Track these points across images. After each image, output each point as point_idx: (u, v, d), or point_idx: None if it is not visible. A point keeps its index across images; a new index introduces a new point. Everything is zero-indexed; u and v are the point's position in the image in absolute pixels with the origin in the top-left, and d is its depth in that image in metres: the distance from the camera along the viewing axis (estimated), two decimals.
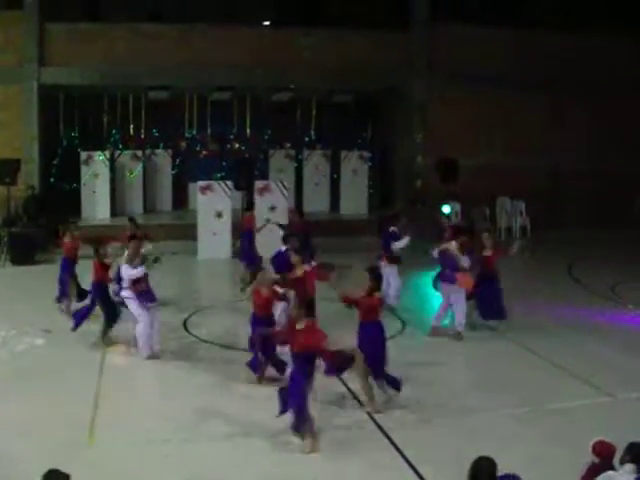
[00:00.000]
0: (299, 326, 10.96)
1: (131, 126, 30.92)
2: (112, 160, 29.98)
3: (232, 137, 32.30)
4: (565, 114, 30.13)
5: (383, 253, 18.23)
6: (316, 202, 32.02)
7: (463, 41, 29.18)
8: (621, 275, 22.17)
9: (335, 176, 32.72)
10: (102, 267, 15.41)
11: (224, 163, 31.28)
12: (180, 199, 32.24)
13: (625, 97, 29.94)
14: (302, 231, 22.60)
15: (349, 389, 12.89)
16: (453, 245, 16.33)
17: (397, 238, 18.09)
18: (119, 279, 15.13)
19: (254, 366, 13.22)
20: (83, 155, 29.35)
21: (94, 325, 15.62)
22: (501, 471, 7.43)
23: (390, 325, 16.32)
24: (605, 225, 28.68)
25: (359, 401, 12.44)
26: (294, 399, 10.65)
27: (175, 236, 26.38)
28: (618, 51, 30.16)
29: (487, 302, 16.55)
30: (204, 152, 32.69)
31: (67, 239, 17.94)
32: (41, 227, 24.81)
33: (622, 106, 30.08)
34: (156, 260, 14.86)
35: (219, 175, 29.83)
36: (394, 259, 18.22)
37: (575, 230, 28.24)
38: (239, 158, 29.74)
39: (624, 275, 22.16)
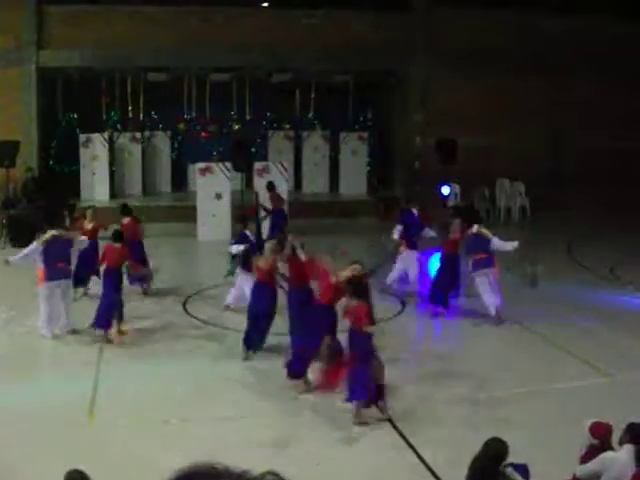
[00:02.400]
0: None
1: (130, 108, 30.86)
2: (111, 142, 29.92)
3: (233, 118, 32.22)
4: (566, 95, 30.04)
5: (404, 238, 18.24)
6: (315, 183, 32.01)
7: (463, 22, 29.09)
8: (620, 257, 22.14)
9: (334, 157, 32.65)
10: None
11: (220, 148, 31.17)
12: (179, 181, 32.22)
13: (626, 77, 29.84)
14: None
15: None
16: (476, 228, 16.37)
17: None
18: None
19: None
20: (82, 137, 29.30)
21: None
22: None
23: (390, 305, 16.41)
24: (606, 206, 28.59)
25: None
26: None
27: (174, 218, 26.38)
28: (619, 30, 30.04)
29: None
30: (203, 134, 32.63)
31: (88, 222, 17.23)
32: (40, 209, 24.79)
33: (624, 86, 29.98)
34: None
35: (218, 156, 29.76)
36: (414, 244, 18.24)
37: (575, 211, 28.16)
38: (237, 139, 29.68)
39: (623, 257, 22.13)
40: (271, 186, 23.39)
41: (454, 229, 16.52)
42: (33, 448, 9.91)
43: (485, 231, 16.24)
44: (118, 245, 15.15)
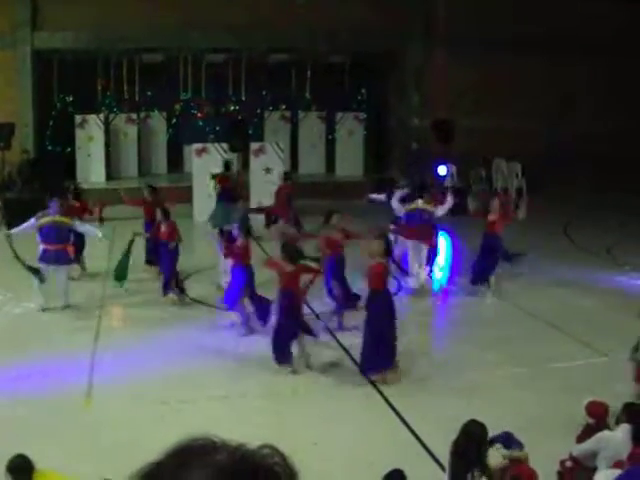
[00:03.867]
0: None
1: (125, 89, 30.73)
2: (107, 123, 29.85)
3: (232, 99, 32.08)
4: (564, 77, 29.94)
5: None
6: (311, 164, 31.95)
7: (460, 3, 28.97)
8: (617, 237, 22.10)
9: (330, 137, 32.60)
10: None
11: (217, 128, 31.11)
12: (175, 162, 32.14)
13: (625, 58, 29.74)
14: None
15: (347, 352, 12.93)
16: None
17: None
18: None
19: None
20: (77, 118, 29.21)
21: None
22: (496, 430, 7.49)
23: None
24: (603, 187, 28.53)
25: (357, 364, 12.46)
26: None
27: (171, 199, 26.27)
28: (619, 12, 29.92)
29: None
30: (199, 114, 32.54)
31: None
32: (36, 191, 24.73)
33: (623, 67, 29.89)
34: None
35: (214, 137, 29.69)
36: None
37: (573, 192, 28.11)
38: (233, 120, 29.60)
39: (620, 238, 22.09)
40: (227, 166, 23.39)
41: (494, 208, 16.59)
42: (30, 430, 9.90)
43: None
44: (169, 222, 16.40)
